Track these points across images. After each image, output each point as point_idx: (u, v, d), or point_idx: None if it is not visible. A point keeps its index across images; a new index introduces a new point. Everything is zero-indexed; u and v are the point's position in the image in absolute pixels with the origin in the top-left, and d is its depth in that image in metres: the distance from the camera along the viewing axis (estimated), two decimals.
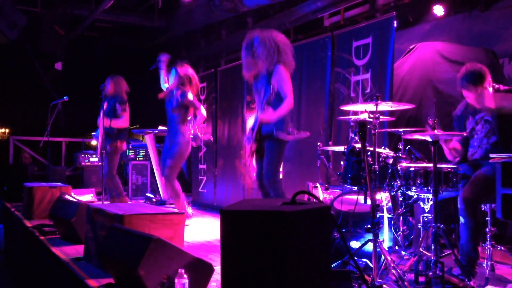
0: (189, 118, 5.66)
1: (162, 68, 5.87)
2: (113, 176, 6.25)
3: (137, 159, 8.65)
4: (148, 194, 7.98)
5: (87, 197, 7.22)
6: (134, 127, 9.91)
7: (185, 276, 2.49)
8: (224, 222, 2.08)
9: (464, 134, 3.57)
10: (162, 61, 5.85)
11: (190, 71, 5.67)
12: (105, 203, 6.18)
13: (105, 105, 6.14)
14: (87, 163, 8.74)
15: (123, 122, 6.22)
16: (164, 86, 5.89)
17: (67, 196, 4.97)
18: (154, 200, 7.61)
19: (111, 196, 6.38)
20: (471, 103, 3.60)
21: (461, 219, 3.24)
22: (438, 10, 5.84)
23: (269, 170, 4.07)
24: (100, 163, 8.04)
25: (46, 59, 9.40)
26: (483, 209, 3.40)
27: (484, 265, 3.40)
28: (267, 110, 4.02)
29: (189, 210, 5.79)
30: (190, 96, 5.54)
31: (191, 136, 5.59)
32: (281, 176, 4.33)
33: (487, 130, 3.51)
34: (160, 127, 7.47)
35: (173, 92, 5.64)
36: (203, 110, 5.68)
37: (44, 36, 8.98)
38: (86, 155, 8.79)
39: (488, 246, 3.44)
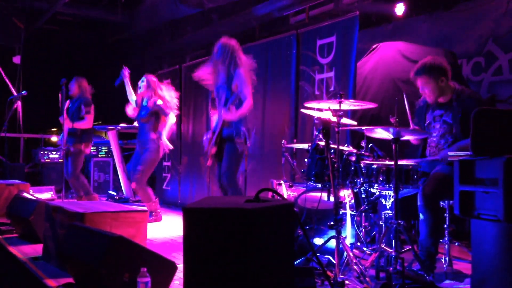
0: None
1: (127, 81, 5.90)
2: (78, 176, 6.23)
3: (99, 156, 8.49)
4: (111, 192, 7.84)
5: (46, 194, 7.04)
6: (96, 123, 9.71)
7: (148, 274, 2.45)
8: (187, 219, 2.06)
9: (425, 135, 3.65)
10: (125, 76, 5.87)
11: (155, 79, 5.78)
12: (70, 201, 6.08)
13: (67, 104, 6.10)
14: (46, 160, 8.51)
15: (86, 123, 6.21)
16: (132, 98, 5.91)
17: (25, 194, 4.84)
18: (117, 197, 7.49)
19: (78, 196, 6.28)
20: (426, 94, 3.63)
21: (421, 216, 3.31)
22: (400, 11, 5.96)
23: (228, 170, 4.26)
24: (60, 160, 7.87)
25: (4, 53, 9.10)
26: (441, 206, 3.49)
27: (443, 260, 3.50)
28: (231, 108, 4.18)
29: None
30: (160, 102, 5.61)
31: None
32: (240, 180, 4.50)
33: (444, 131, 3.58)
34: (123, 124, 7.36)
35: (143, 100, 5.73)
36: (172, 116, 5.71)
37: (2, 29, 8.69)
38: (46, 152, 8.55)
39: (446, 242, 3.53)
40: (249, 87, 4.30)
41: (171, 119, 5.67)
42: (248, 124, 4.40)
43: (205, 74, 4.53)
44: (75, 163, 6.15)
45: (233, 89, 4.26)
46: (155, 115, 5.63)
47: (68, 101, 6.22)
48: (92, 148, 8.32)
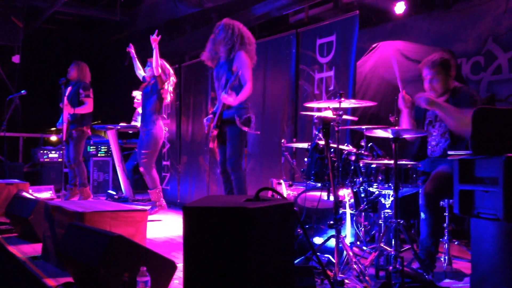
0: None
1: (134, 56, 6.06)
2: (80, 162, 6.30)
3: (99, 155, 8.47)
4: (110, 191, 7.83)
5: (45, 194, 7.03)
6: (96, 123, 9.71)
7: (147, 274, 2.45)
8: (186, 218, 2.06)
9: (423, 133, 3.65)
10: (131, 52, 6.04)
11: (162, 64, 5.84)
12: (65, 194, 6.12)
13: (68, 90, 6.15)
14: (46, 159, 8.50)
15: (87, 108, 6.29)
16: (140, 73, 6.06)
17: (25, 193, 4.83)
18: (116, 197, 7.48)
19: (73, 185, 6.29)
20: (432, 87, 3.65)
21: (422, 215, 3.31)
22: (400, 10, 5.95)
23: (233, 155, 4.22)
24: (60, 159, 7.86)
25: (3, 52, 9.09)
26: (441, 205, 3.49)
27: (442, 259, 3.50)
28: (231, 93, 4.10)
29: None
30: (159, 70, 5.66)
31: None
32: (244, 165, 4.46)
33: (443, 129, 3.60)
34: (122, 123, 7.35)
35: (149, 82, 5.83)
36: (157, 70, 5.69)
37: (1, 28, 8.67)
38: (45, 151, 8.54)
39: (446, 241, 3.53)
40: (250, 70, 4.25)
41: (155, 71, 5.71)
42: (249, 104, 4.35)
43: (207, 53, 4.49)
44: (76, 147, 6.25)
45: (233, 71, 4.21)
46: (157, 93, 5.69)
47: (70, 88, 6.28)
48: (91, 147, 8.33)
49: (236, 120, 4.19)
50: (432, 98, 3.49)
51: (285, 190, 4.19)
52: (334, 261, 3.04)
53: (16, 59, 9.01)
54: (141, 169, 5.75)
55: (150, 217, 5.41)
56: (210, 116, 4.40)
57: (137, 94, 6.58)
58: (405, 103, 3.66)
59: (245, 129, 4.22)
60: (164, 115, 5.89)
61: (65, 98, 6.10)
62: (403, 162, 3.34)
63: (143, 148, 5.67)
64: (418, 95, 3.75)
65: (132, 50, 6.00)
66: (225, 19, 4.38)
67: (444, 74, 3.58)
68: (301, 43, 5.40)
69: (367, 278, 2.98)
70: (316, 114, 3.71)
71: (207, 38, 4.53)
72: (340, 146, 3.38)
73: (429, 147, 3.72)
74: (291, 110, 5.44)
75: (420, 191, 3.35)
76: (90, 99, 6.28)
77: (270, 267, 2.05)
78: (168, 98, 5.83)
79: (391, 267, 2.95)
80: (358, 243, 3.68)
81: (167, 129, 5.95)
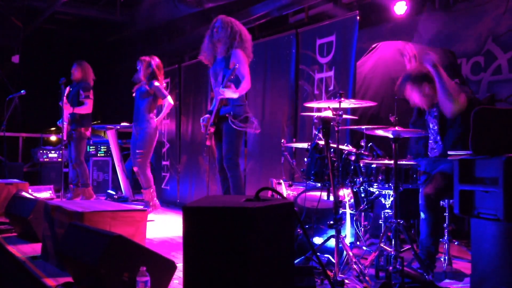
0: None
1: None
2: (82, 162, 6.30)
3: (98, 155, 8.47)
4: (110, 191, 7.83)
5: (45, 194, 7.02)
6: (95, 122, 9.70)
7: (147, 274, 2.44)
8: (186, 218, 2.06)
9: (423, 133, 3.64)
10: None
11: (156, 62, 5.83)
12: (66, 195, 6.12)
13: (67, 90, 6.15)
14: (45, 159, 8.49)
15: (86, 108, 6.28)
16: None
17: (24, 193, 4.82)
18: (116, 197, 7.48)
19: (76, 185, 6.29)
20: (416, 103, 3.64)
21: (422, 215, 3.31)
22: (400, 10, 5.96)
23: (228, 152, 4.19)
24: (59, 159, 7.86)
25: (3, 52, 9.08)
26: (441, 205, 3.49)
27: (442, 259, 3.49)
28: (230, 85, 4.06)
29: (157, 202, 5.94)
30: (157, 83, 5.69)
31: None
32: (244, 165, 4.42)
33: (438, 126, 3.60)
34: (122, 123, 7.34)
35: (141, 82, 5.80)
36: (170, 99, 5.82)
37: (1, 28, 8.67)
38: (45, 151, 8.53)
39: (446, 241, 3.53)
40: (247, 66, 4.24)
41: (169, 101, 5.76)
42: (246, 102, 4.34)
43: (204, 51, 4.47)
44: (77, 148, 6.24)
45: (230, 68, 4.18)
46: (152, 95, 5.70)
47: (68, 87, 6.27)
48: (91, 147, 8.33)
49: (232, 117, 4.16)
50: (436, 63, 3.41)
51: (285, 190, 4.18)
52: (334, 261, 3.04)
53: (15, 59, 9.01)
54: (136, 168, 5.72)
55: (154, 223, 5.42)
56: (207, 116, 4.37)
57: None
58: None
59: (241, 127, 4.19)
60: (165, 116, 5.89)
61: (65, 97, 6.09)
62: (403, 162, 3.34)
63: (137, 147, 5.65)
64: (425, 54, 3.68)
65: None
66: (221, 16, 4.34)
67: (417, 86, 3.54)
68: (301, 43, 5.40)
69: (367, 278, 2.98)
70: (316, 114, 3.70)
71: None
72: (340, 146, 3.38)
73: (429, 146, 3.71)
74: (291, 110, 5.44)
75: (420, 191, 3.35)
76: (90, 100, 6.27)
77: (271, 267, 2.04)
78: (171, 101, 5.82)
79: (391, 267, 2.94)
80: (358, 243, 3.68)
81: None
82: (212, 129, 4.23)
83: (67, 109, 6.13)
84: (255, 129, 4.31)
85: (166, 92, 5.78)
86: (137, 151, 5.62)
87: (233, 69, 4.01)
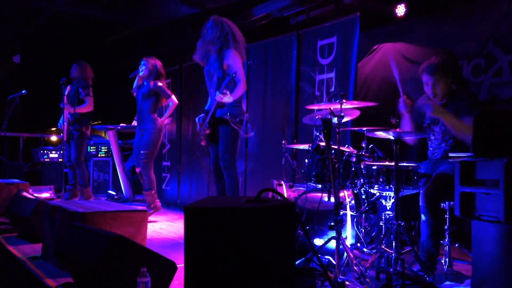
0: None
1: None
2: (81, 163, 6.29)
3: (99, 155, 8.47)
4: (110, 192, 7.83)
5: (45, 194, 7.03)
6: (96, 123, 9.71)
7: (148, 274, 2.44)
8: (188, 219, 2.06)
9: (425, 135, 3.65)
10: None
11: (159, 63, 5.86)
12: (65, 195, 6.10)
13: (67, 90, 6.14)
14: (46, 159, 8.49)
15: (87, 106, 6.28)
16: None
17: (25, 193, 4.82)
18: (116, 197, 7.48)
19: (73, 186, 6.28)
20: (435, 92, 3.65)
21: (422, 217, 3.30)
22: (401, 12, 5.95)
23: (225, 153, 4.22)
24: (60, 159, 7.86)
25: (4, 52, 9.08)
26: (442, 207, 3.48)
27: (443, 261, 3.49)
28: (226, 93, 4.11)
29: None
30: (161, 83, 5.70)
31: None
32: (244, 166, 4.42)
33: (443, 132, 3.60)
34: (122, 124, 7.35)
35: (144, 82, 5.76)
36: (174, 98, 5.82)
37: (1, 27, 8.67)
38: (45, 151, 8.54)
39: (447, 243, 3.52)
40: (242, 68, 4.26)
41: (174, 100, 5.76)
42: (242, 104, 4.36)
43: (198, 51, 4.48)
44: (78, 148, 6.23)
45: (224, 69, 4.22)
46: (155, 95, 5.67)
47: (69, 87, 6.26)
48: (92, 147, 8.33)
49: (229, 119, 4.19)
50: (438, 107, 3.47)
51: (285, 191, 4.18)
52: (334, 262, 3.04)
53: (16, 59, 9.01)
54: (139, 169, 5.70)
55: (155, 224, 5.42)
56: (202, 115, 4.39)
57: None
58: (406, 108, 3.66)
59: (237, 128, 4.22)
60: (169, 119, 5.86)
61: (65, 97, 6.08)
62: (404, 164, 3.34)
63: (142, 148, 5.64)
64: (420, 101, 3.75)
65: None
66: (213, 16, 4.37)
67: (445, 78, 3.58)
68: (302, 44, 5.40)
69: (367, 280, 2.98)
70: (317, 117, 3.71)
71: None
72: (341, 148, 3.38)
73: (430, 149, 3.72)
74: (292, 111, 5.44)
75: (420, 193, 3.34)
76: (90, 98, 6.26)
77: (272, 268, 2.04)
78: (175, 99, 5.82)
79: (392, 269, 2.94)
80: (358, 244, 3.68)
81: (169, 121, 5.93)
82: (207, 131, 4.26)
83: (68, 110, 6.12)
84: (244, 133, 4.34)
85: (169, 92, 5.79)
86: (142, 152, 5.60)
87: (231, 77, 4.05)
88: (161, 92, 5.66)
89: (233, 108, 4.23)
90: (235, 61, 4.21)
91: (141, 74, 5.75)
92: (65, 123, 6.19)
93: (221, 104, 4.24)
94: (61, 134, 6.24)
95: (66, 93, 6.13)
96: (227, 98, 4.13)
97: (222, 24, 4.28)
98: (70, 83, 6.38)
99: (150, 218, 5.52)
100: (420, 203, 3.31)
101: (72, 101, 6.20)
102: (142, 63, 5.77)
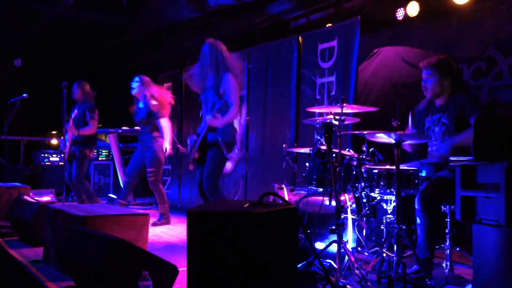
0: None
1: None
2: (83, 180, 6.28)
3: (100, 159, 8.48)
4: (111, 195, 7.83)
5: (46, 197, 7.03)
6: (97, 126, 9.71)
7: (149, 278, 2.45)
8: (190, 223, 2.06)
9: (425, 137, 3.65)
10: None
11: (154, 89, 5.81)
12: (71, 204, 6.09)
13: (75, 113, 6.15)
14: (47, 163, 8.50)
15: (91, 129, 6.26)
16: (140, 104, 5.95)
17: (26, 197, 4.82)
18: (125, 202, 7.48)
19: (80, 199, 6.29)
20: (426, 88, 3.66)
21: (418, 220, 3.30)
22: (401, 16, 5.97)
23: (209, 176, 4.21)
24: (61, 163, 7.87)
25: (5, 55, 9.10)
26: (443, 211, 3.48)
27: (444, 265, 3.49)
28: (218, 116, 4.12)
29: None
30: (154, 102, 5.66)
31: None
32: (245, 170, 4.39)
33: (442, 131, 3.60)
34: (123, 127, 7.36)
35: (139, 105, 5.76)
36: (164, 122, 5.69)
37: (2, 31, 8.70)
38: (46, 155, 8.55)
39: (448, 247, 3.52)
40: (236, 94, 4.26)
41: (164, 124, 5.69)
42: (235, 131, 4.37)
43: (194, 78, 4.49)
44: (79, 167, 6.21)
45: (220, 94, 4.23)
46: (153, 117, 5.67)
47: (76, 111, 6.26)
48: None
49: (220, 144, 4.18)
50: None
51: (286, 195, 4.18)
52: (336, 266, 3.04)
53: (18, 62, 9.03)
54: (151, 187, 5.70)
55: (156, 228, 5.41)
56: (194, 137, 4.39)
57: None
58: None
59: (227, 154, 4.22)
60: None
61: (71, 120, 6.10)
62: (405, 168, 3.34)
63: (148, 166, 5.62)
64: (421, 106, 3.76)
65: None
66: (208, 40, 4.35)
67: (440, 74, 3.58)
68: (303, 48, 5.41)
69: (369, 283, 2.98)
70: (318, 119, 3.72)
71: None
72: (342, 151, 3.38)
73: (429, 149, 3.72)
74: (293, 115, 5.45)
75: (416, 196, 3.34)
76: (94, 121, 6.26)
77: (274, 271, 2.05)
78: (165, 123, 5.76)
79: (393, 273, 2.94)
80: (359, 248, 3.68)
81: (172, 152, 5.87)
82: (196, 155, 4.26)
83: (72, 132, 6.10)
84: (230, 157, 4.35)
85: (159, 113, 5.69)
86: (148, 170, 5.60)
87: (223, 101, 4.10)
88: (154, 114, 5.63)
89: (226, 134, 4.22)
90: (231, 87, 4.22)
91: (134, 91, 5.75)
92: (67, 143, 6.18)
93: (213, 129, 4.23)
94: (62, 155, 6.22)
95: (72, 117, 6.15)
96: (217, 123, 4.13)
97: (217, 49, 4.29)
98: (75, 106, 6.37)
99: (158, 228, 5.50)
100: (416, 206, 3.30)
101: (78, 123, 6.19)
102: (135, 79, 5.77)
